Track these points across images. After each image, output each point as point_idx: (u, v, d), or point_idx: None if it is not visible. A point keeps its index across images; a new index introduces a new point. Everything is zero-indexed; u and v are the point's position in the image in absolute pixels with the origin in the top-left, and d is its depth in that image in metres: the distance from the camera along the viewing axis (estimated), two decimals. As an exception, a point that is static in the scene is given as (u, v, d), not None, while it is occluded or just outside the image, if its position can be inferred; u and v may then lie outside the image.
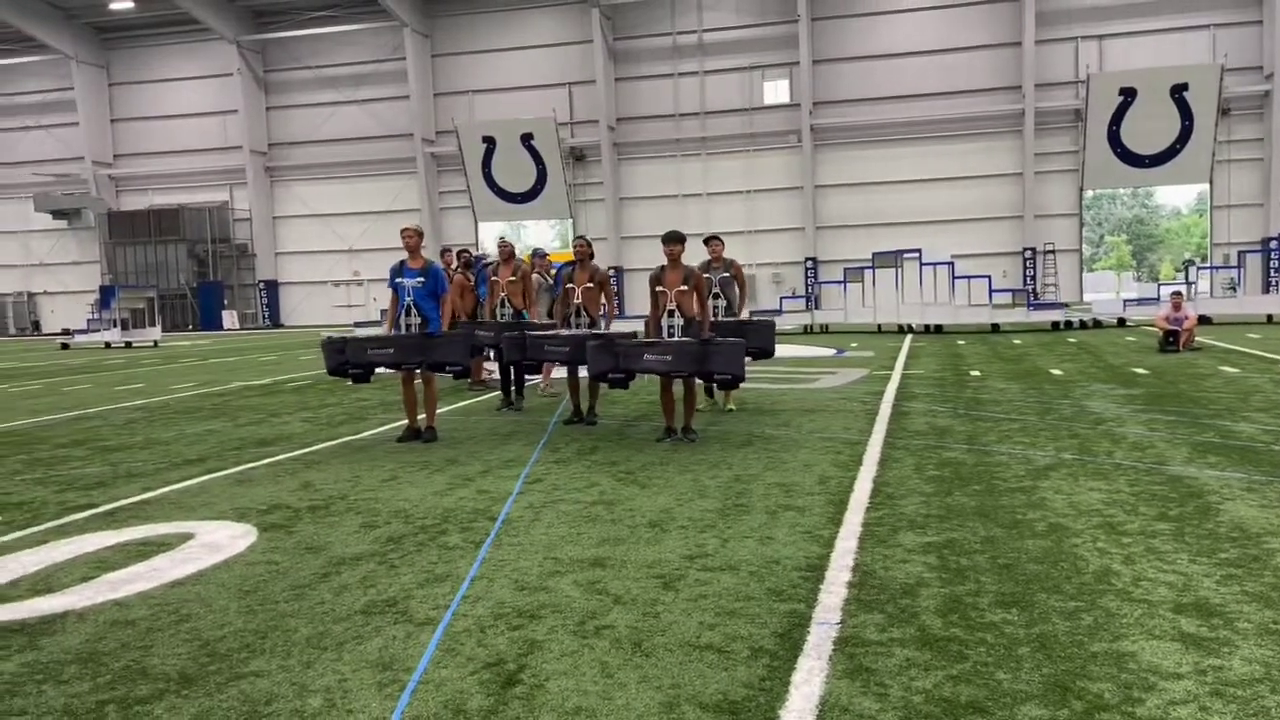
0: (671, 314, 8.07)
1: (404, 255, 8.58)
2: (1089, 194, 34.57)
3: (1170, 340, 15.48)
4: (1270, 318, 23.43)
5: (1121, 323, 23.96)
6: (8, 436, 9.92)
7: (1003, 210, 34.61)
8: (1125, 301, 26.94)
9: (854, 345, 19.45)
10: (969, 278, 23.91)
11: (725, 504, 5.84)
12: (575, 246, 9.47)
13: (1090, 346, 17.44)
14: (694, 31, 37.03)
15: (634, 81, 37.98)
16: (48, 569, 4.88)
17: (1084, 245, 37.04)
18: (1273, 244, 30.64)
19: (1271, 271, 27.63)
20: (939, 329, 23.11)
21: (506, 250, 10.32)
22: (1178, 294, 17.23)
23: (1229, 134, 32.66)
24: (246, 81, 41.38)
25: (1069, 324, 23.44)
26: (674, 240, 8.11)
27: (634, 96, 38.03)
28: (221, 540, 5.32)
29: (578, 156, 38.57)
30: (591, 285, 9.19)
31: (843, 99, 35.94)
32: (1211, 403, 9.52)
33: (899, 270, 23.73)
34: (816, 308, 26.81)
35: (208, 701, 3.23)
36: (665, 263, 8.17)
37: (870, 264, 26.08)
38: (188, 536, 5.43)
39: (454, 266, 12.65)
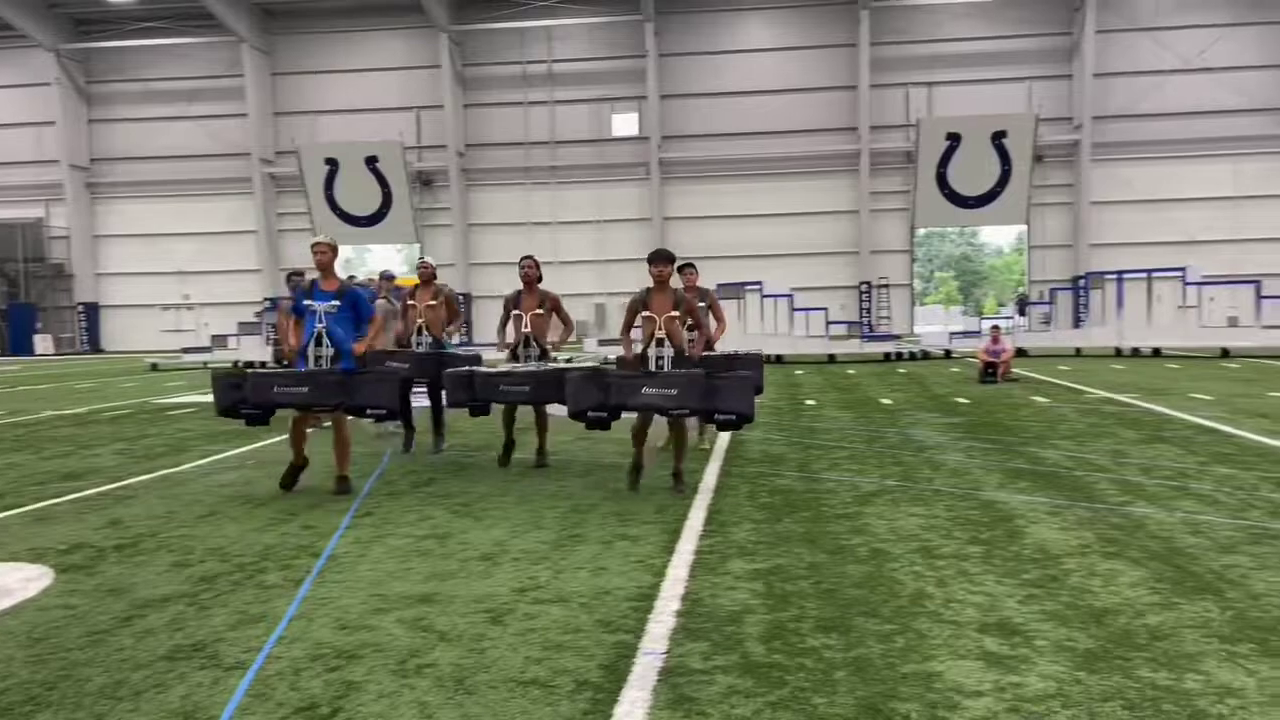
0: (661, 343, 7.06)
1: (310, 274, 7.50)
2: (920, 232, 36.41)
3: (989, 371, 16.40)
4: (1079, 351, 25.13)
5: (948, 354, 25.25)
6: None
7: (840, 246, 36.05)
8: (951, 334, 28.44)
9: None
10: (807, 310, 24.73)
11: (560, 535, 5.80)
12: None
13: (918, 377, 18.29)
14: (544, 61, 37.21)
15: (483, 108, 37.81)
16: None
17: (915, 280, 38.93)
18: (1081, 282, 32.96)
19: (1080, 308, 29.63)
20: (779, 359, 23.78)
21: (427, 272, 9.37)
22: (996, 328, 18.31)
23: (1044, 179, 35.03)
24: (66, 92, 39.03)
25: (900, 355, 24.53)
26: (663, 260, 7.13)
27: (483, 123, 37.85)
28: (11, 584, 4.92)
29: (425, 181, 38.03)
30: (541, 311, 8.35)
31: (690, 134, 36.76)
32: (1023, 430, 10.11)
33: (742, 302, 24.32)
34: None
35: (-20, 763, 2.96)
36: (650, 285, 7.20)
37: (716, 295, 26.57)
38: (-26, 580, 5.00)
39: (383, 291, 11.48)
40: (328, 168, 36.76)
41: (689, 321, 7.69)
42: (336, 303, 7.28)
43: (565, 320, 8.64)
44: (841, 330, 27.57)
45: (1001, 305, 67.05)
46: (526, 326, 8.35)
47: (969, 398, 13.80)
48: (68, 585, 4.89)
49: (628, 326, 7.29)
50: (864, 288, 35.78)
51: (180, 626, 4.21)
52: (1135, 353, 24.19)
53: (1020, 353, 23.56)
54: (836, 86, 36.17)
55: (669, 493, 7.01)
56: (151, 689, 3.52)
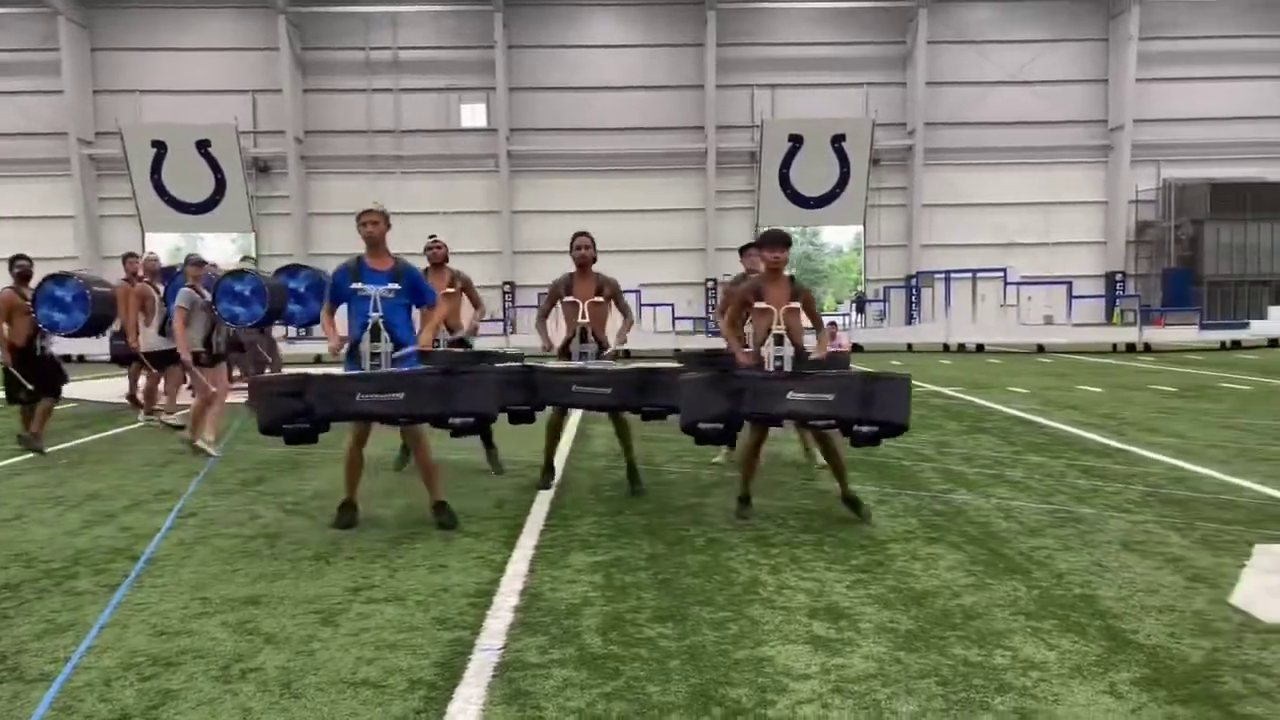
0: (780, 340, 5.96)
1: (353, 250, 6.22)
2: (763, 230, 37.38)
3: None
4: (910, 346, 26.36)
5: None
6: None
7: (687, 243, 36.62)
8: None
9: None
10: (655, 305, 25.02)
11: (399, 533, 5.68)
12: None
13: (760, 371, 18.74)
14: (389, 48, 36.27)
15: (325, 94, 36.54)
16: None
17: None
18: (913, 281, 34.55)
19: (912, 306, 31.13)
20: (627, 353, 23.98)
21: (440, 254, 8.17)
22: (833, 324, 19.01)
23: (880, 182, 36.51)
24: None
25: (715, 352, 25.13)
26: (779, 242, 6.01)
27: (324, 109, 36.58)
28: None
29: (262, 168, 36.47)
30: (600, 299, 7.04)
31: (539, 127, 36.56)
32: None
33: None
34: (513, 331, 26.98)
35: None
36: (759, 271, 6.36)
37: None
38: None
39: (141, 275, 10.87)
40: (155, 150, 34.75)
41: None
42: (395, 285, 5.85)
43: (625, 310, 7.35)
44: (688, 326, 28.04)
45: (840, 303, 69.62)
46: (584, 317, 7.00)
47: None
48: None
49: (734, 320, 6.20)
50: (710, 284, 36.47)
51: (-24, 639, 3.91)
52: (961, 348, 25.56)
53: (856, 348, 24.52)
54: (684, 86, 36.68)
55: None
56: (-60, 708, 3.26)
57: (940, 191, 36.25)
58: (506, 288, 35.73)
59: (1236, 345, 24.57)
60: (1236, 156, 35.66)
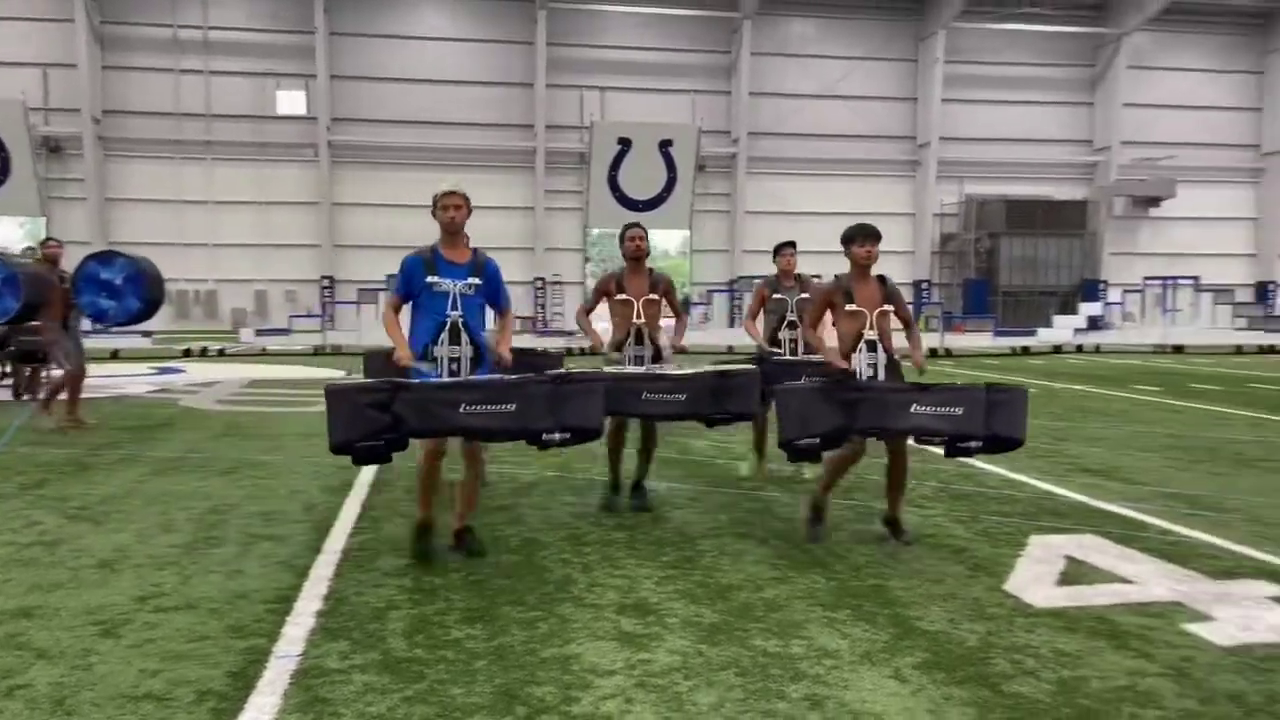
0: (873, 346, 5.35)
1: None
2: (593, 232, 37.58)
3: (650, 367, 17.24)
4: (731, 348, 27.07)
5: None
6: None
7: (515, 241, 36.40)
8: (619, 331, 29.62)
9: (365, 367, 19.18)
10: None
11: (195, 538, 5.39)
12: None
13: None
14: (199, 27, 34.39)
15: (126, 72, 34.29)
16: None
17: (589, 279, 40.13)
18: (735, 285, 35.55)
19: (735, 309, 31.90)
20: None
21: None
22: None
23: (705, 188, 37.37)
24: None
25: (571, 350, 25.20)
26: (873, 236, 5.43)
27: (126, 88, 34.32)
28: None
29: (53, 148, 33.86)
30: (654, 296, 6.35)
31: (364, 118, 35.53)
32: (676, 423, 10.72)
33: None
34: (331, 328, 26.10)
35: None
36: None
37: (385, 286, 25.91)
38: None
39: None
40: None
41: (791, 319, 7.13)
42: (476, 280, 5.12)
43: (679, 310, 6.75)
44: (516, 325, 27.85)
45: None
46: (639, 316, 6.30)
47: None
48: None
49: (817, 323, 5.62)
50: (538, 284, 36.39)
51: None
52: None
53: (680, 350, 24.99)
54: (515, 83, 36.47)
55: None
56: None
57: (762, 199, 37.45)
58: (325, 282, 34.53)
59: (1026, 351, 26.47)
60: (1030, 176, 38.46)
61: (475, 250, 5.23)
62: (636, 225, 6.39)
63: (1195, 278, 27.89)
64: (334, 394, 4.66)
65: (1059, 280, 37.91)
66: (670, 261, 37.92)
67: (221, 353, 22.53)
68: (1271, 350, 25.63)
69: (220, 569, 4.77)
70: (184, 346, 22.84)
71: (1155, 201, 37.81)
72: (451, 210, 5.05)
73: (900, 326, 5.52)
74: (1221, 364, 21.15)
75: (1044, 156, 38.50)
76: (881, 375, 5.28)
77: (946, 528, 5.74)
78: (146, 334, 22.26)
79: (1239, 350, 25.75)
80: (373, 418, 4.53)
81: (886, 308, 5.36)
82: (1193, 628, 3.99)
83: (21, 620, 3.98)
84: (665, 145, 36.23)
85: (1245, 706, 3.25)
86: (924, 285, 37.88)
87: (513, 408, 4.64)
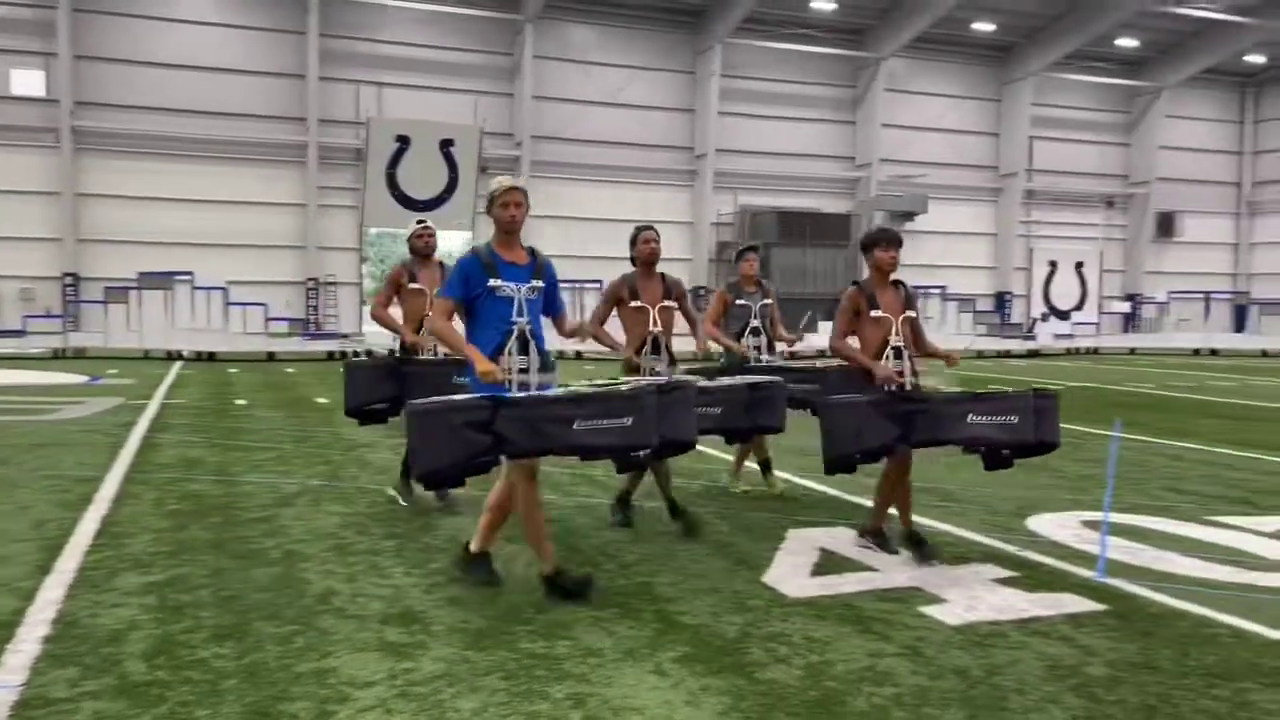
0: (899, 353, 5.17)
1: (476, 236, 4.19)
2: (372, 231, 36.41)
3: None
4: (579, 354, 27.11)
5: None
6: None
7: (285, 239, 34.71)
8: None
9: (112, 372, 17.74)
10: (245, 304, 23.50)
11: (-103, 561, 4.80)
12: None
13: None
14: (-81, -8, 30.77)
15: None
16: None
17: (366, 279, 38.89)
18: (517, 288, 35.49)
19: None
20: (211, 356, 22.26)
21: (431, 244, 6.61)
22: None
23: (488, 189, 37.06)
24: None
25: (344, 354, 24.34)
26: (896, 242, 5.33)
27: None
28: None
29: None
30: (669, 303, 5.97)
31: (113, 103, 32.84)
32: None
33: (170, 293, 22.35)
34: (74, 329, 23.99)
35: None
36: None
37: (138, 284, 24.19)
38: None
39: None
40: None
41: (754, 325, 6.89)
42: (539, 283, 4.65)
43: (692, 319, 6.41)
44: (282, 327, 26.62)
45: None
46: (655, 324, 5.90)
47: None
48: None
49: (847, 332, 5.29)
50: (311, 284, 34.90)
51: None
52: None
53: (707, 355, 24.71)
54: (285, 74, 34.75)
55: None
56: None
57: (546, 203, 37.53)
58: (68, 279, 31.70)
59: (794, 355, 27.97)
60: (800, 189, 40.55)
61: (533, 250, 4.81)
62: (649, 228, 6.10)
63: (943, 287, 30.26)
64: (425, 415, 4.04)
65: (825, 288, 40.21)
66: (452, 262, 37.23)
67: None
68: (1008, 355, 28.26)
69: (-73, 596, 4.28)
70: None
71: (910, 216, 40.79)
72: (512, 208, 4.61)
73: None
74: (967, 367, 23.06)
75: (812, 171, 40.68)
76: (910, 382, 5.15)
77: (713, 524, 5.95)
78: None
79: (980, 355, 28.22)
80: (470, 440, 4.00)
81: (910, 314, 5.28)
82: (927, 610, 4.32)
83: None
84: (446, 145, 35.64)
85: (969, 680, 3.54)
86: (702, 291, 39.17)
87: (629, 422, 4.22)
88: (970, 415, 4.91)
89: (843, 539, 5.57)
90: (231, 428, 10.24)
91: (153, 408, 11.77)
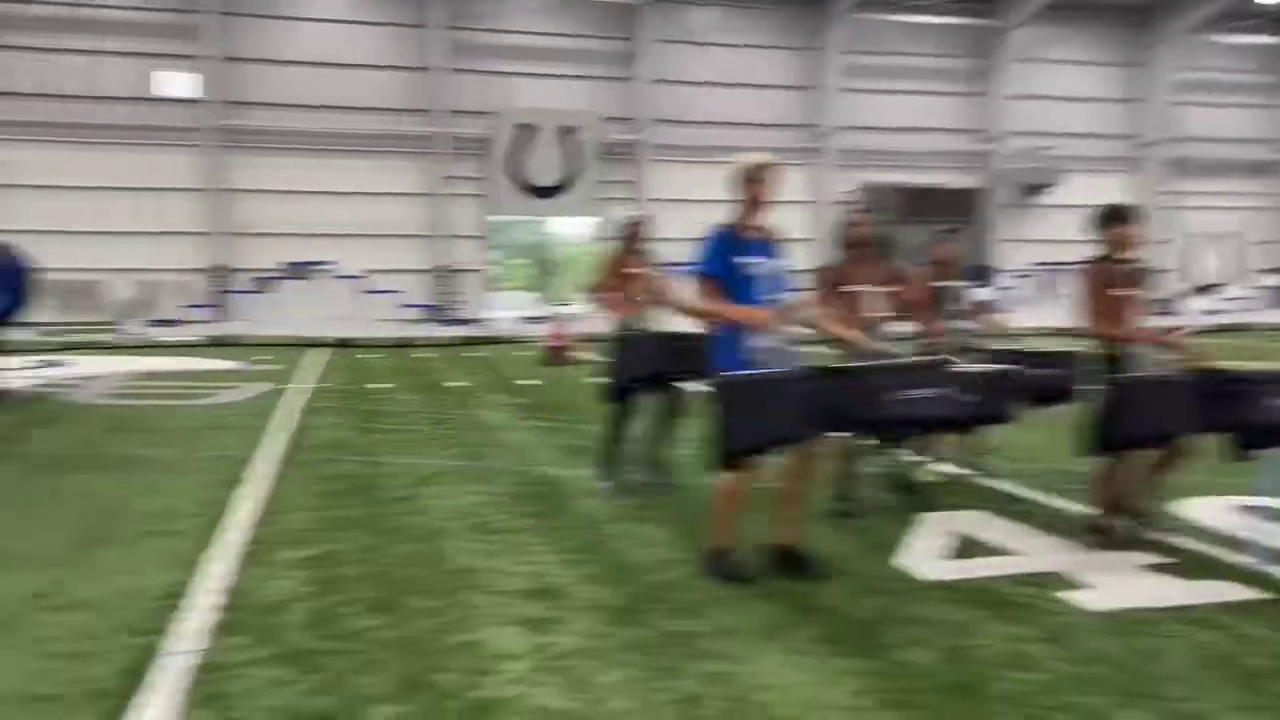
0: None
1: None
2: (494, 219, 37.24)
3: (555, 355, 17.25)
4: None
5: (520, 340, 26.16)
6: None
7: (413, 229, 35.81)
8: (526, 320, 29.52)
9: (261, 358, 18.67)
10: (381, 292, 24.38)
11: (84, 536, 5.21)
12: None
13: (490, 360, 18.75)
14: (78, 4, 32.85)
15: (5, 51, 32.58)
16: None
17: (490, 266, 39.78)
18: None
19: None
20: (351, 343, 23.18)
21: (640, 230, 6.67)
22: (563, 314, 19.32)
23: (610, 175, 37.38)
24: None
25: (473, 339, 25.00)
26: (1133, 218, 5.08)
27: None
28: None
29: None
30: (885, 288, 5.75)
31: (258, 101, 34.43)
32: (580, 410, 10.74)
33: (312, 282, 23.38)
34: (225, 318, 25.36)
35: None
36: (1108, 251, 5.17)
37: (283, 274, 25.40)
38: None
39: None
40: None
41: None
42: (783, 261, 4.61)
43: (925, 303, 6.23)
44: (415, 314, 27.52)
45: (575, 293, 70.75)
46: (872, 310, 5.62)
47: (536, 379, 14.39)
48: None
49: (1098, 312, 4.97)
50: (438, 272, 35.93)
51: None
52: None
53: (591, 339, 25.02)
54: (413, 67, 35.82)
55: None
56: None
57: (666, 187, 37.65)
58: (219, 271, 33.46)
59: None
60: (924, 165, 39.50)
61: (771, 228, 4.67)
62: (861, 208, 5.91)
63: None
64: (747, 388, 3.91)
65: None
66: (576, 249, 37.80)
67: (106, 346, 21.67)
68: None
69: (112, 567, 4.64)
70: (66, 339, 21.90)
71: (1039, 189, 39.27)
72: (770, 184, 4.50)
73: None
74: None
75: (937, 145, 39.55)
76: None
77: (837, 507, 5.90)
78: (25, 326, 21.26)
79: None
80: (798, 412, 3.91)
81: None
82: (1071, 595, 4.20)
83: (-104, 626, 3.81)
84: (568, 132, 36.10)
85: (1117, 666, 3.45)
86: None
87: (978, 398, 4.18)
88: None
89: (979, 523, 5.45)
90: (372, 410, 10.68)
91: (300, 393, 12.37)
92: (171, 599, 4.15)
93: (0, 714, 3.05)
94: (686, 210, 38.16)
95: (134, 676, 3.33)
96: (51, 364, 16.97)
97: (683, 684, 3.29)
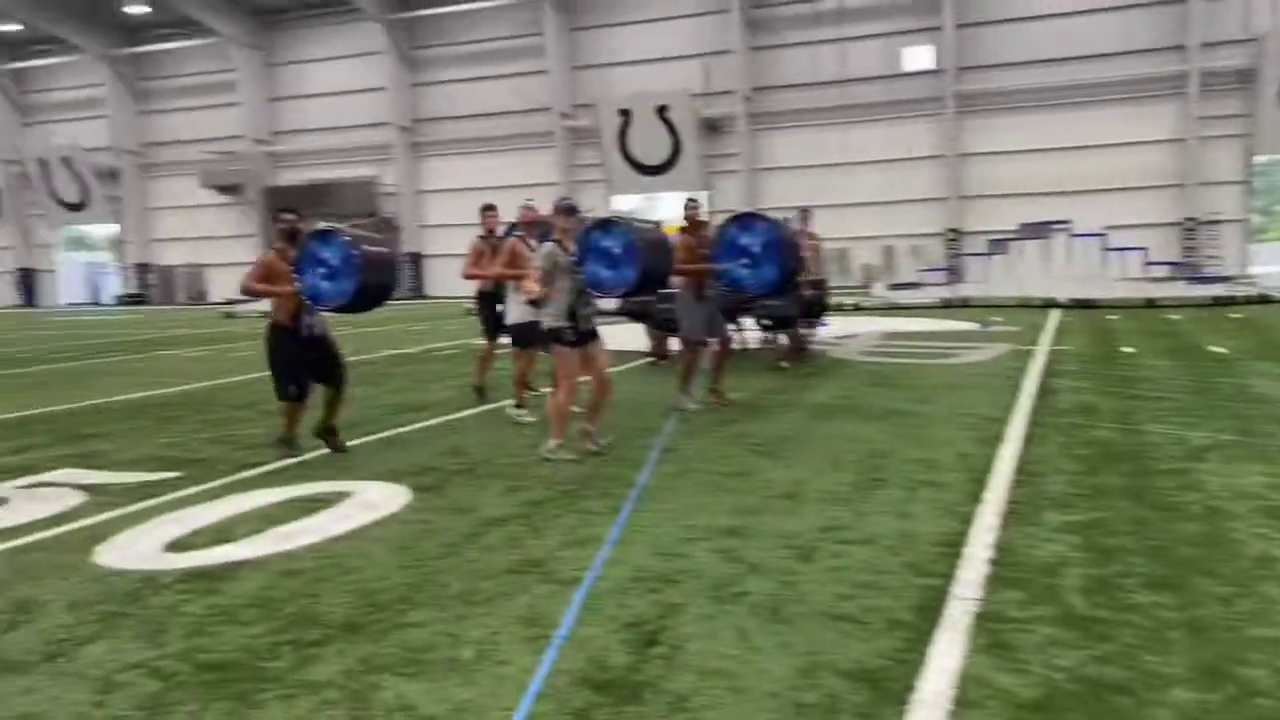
0: None
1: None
2: (1259, 160, 32.32)
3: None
4: None
5: (1293, 298, 22.44)
6: (186, 398, 10.64)
7: (1159, 179, 32.72)
8: (1298, 275, 25.17)
9: (998, 320, 18.82)
10: (1122, 249, 22.82)
11: (860, 478, 5.82)
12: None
13: (1256, 323, 16.43)
14: (830, -2, 36.22)
15: (771, 51, 37.46)
16: (225, 521, 5.27)
17: (1252, 215, 34.68)
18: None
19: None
20: (1089, 304, 22.13)
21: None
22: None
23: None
24: (393, 59, 42.72)
25: (1233, 299, 22.08)
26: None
27: (771, 66, 37.51)
28: (376, 499, 5.63)
29: (712, 128, 38.34)
30: None
31: (989, 64, 34.55)
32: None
33: (1048, 241, 22.82)
34: (958, 280, 26.09)
35: (372, 648, 3.47)
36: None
37: (1017, 235, 25.23)
38: (345, 495, 5.76)
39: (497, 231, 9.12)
40: (621, 119, 37.95)
41: None
42: None
43: None
44: (1162, 272, 25.20)
45: None
46: None
47: (1321, 346, 12.23)
48: (422, 502, 5.54)
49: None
50: (1189, 225, 32.36)
51: (519, 544, 4.67)
52: None
53: None
54: (1157, 1, 32.63)
55: (974, 442, 6.75)
56: (500, 596, 3.95)
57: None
58: (951, 235, 34.48)
59: None
60: None
61: None
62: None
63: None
64: None
65: None
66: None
67: (857, 307, 23.77)
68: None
69: (888, 509, 5.10)
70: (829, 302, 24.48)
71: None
72: None
73: None
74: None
75: None
76: None
77: None
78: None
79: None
80: None
81: None
82: None
83: (731, 538, 4.67)
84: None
85: None
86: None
87: None
88: None
89: None
90: (1121, 375, 10.09)
91: (1040, 354, 12.21)
92: (948, 546, 4.42)
93: (817, 626, 3.55)
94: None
95: (925, 613, 3.62)
96: (820, 324, 19.12)
97: None
